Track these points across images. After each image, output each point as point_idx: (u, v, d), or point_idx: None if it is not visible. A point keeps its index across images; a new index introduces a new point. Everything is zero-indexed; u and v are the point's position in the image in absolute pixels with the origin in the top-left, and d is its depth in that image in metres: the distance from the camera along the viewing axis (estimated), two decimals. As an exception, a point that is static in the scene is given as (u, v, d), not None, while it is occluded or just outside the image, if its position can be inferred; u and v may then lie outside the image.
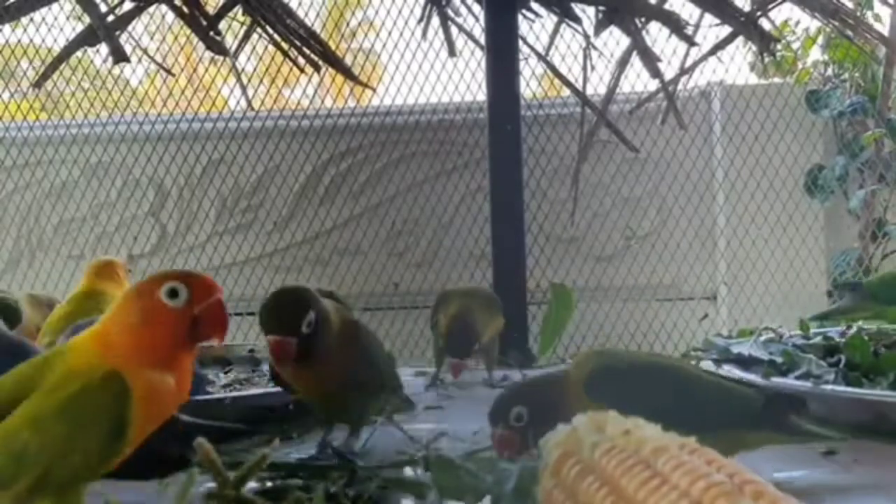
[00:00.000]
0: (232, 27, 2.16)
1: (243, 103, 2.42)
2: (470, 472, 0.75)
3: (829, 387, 1.03)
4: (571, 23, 2.04)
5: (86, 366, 0.67)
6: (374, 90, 2.30)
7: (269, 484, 0.83)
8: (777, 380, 1.07)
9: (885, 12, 2.35)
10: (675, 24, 1.94)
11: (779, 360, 1.12)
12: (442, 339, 1.32)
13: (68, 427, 0.64)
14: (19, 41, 2.33)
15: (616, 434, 0.55)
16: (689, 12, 2.03)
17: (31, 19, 2.26)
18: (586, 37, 2.09)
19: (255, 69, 2.44)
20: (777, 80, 2.49)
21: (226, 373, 1.40)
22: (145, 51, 2.19)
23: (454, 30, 2.17)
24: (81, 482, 0.67)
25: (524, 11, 2.06)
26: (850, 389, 1.02)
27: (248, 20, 2.02)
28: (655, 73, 2.02)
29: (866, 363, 1.09)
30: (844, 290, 1.32)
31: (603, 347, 0.88)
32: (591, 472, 0.54)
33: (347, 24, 2.49)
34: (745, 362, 1.14)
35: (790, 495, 0.48)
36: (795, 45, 2.47)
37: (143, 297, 0.70)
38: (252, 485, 0.78)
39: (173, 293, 0.70)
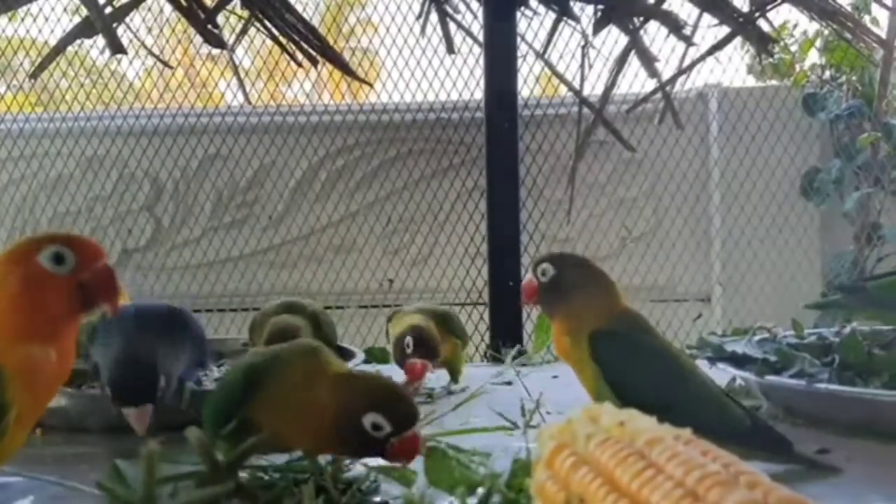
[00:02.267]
0: (230, 21, 2.16)
1: (240, 98, 2.42)
2: (462, 464, 0.75)
3: (824, 385, 1.03)
4: (570, 21, 2.03)
5: None
6: (371, 86, 2.29)
7: (258, 474, 0.83)
8: (771, 378, 1.07)
9: (882, 15, 2.36)
10: (673, 24, 1.94)
11: (772, 358, 1.12)
12: (399, 344, 1.26)
13: None
14: (15, 32, 2.33)
15: (611, 425, 0.55)
16: (687, 12, 2.03)
17: (28, 11, 2.25)
18: (584, 35, 2.09)
19: (252, 64, 2.44)
20: (774, 82, 2.49)
21: (219, 366, 1.39)
22: (143, 43, 2.18)
23: (452, 27, 2.16)
24: None
25: (523, 9, 2.06)
26: (844, 388, 1.02)
27: (247, 14, 2.02)
28: (653, 73, 2.02)
29: (860, 363, 1.09)
30: (845, 291, 1.30)
31: (631, 313, 0.89)
32: (585, 463, 0.53)
33: (346, 20, 2.48)
34: (738, 360, 1.14)
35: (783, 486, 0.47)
36: (793, 48, 2.47)
37: (20, 264, 0.64)
38: (241, 475, 0.78)
39: (58, 258, 0.64)
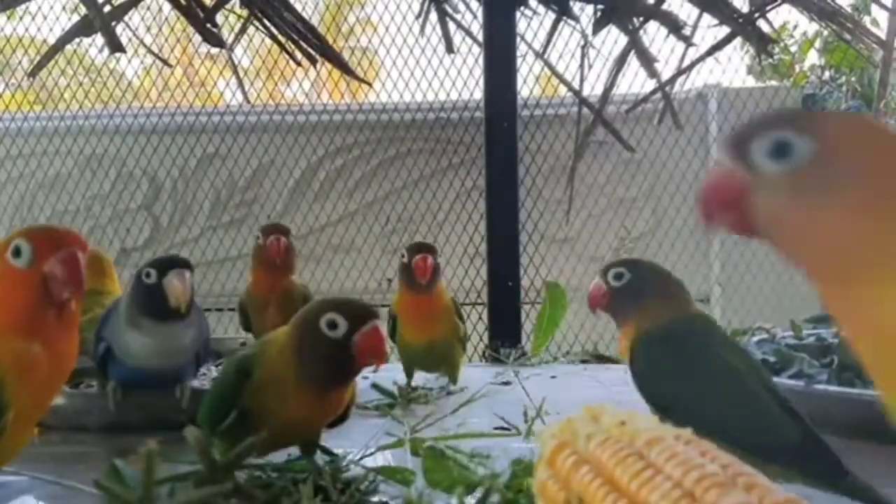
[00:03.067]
0: (229, 20, 2.15)
1: (239, 97, 2.42)
2: (460, 464, 0.75)
3: (822, 386, 1.03)
4: (570, 21, 2.03)
5: None
6: (370, 85, 2.29)
7: (257, 474, 0.83)
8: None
9: (882, 16, 2.36)
10: (672, 25, 1.94)
11: (772, 359, 1.12)
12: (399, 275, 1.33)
13: None
14: (14, 31, 2.32)
15: (611, 425, 0.55)
16: (687, 12, 2.03)
17: (27, 9, 2.25)
18: (584, 35, 2.09)
19: (251, 63, 2.43)
20: (774, 82, 2.49)
21: (217, 366, 1.39)
22: (142, 41, 2.18)
23: (452, 26, 2.16)
24: None
25: (522, 9, 2.06)
26: (842, 389, 1.02)
27: (246, 13, 2.02)
28: (653, 74, 2.02)
29: (859, 364, 1.09)
30: None
31: (691, 317, 0.87)
32: (585, 462, 0.54)
33: (345, 20, 2.48)
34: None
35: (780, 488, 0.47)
36: (793, 49, 2.47)
37: None
38: (240, 476, 0.78)
39: (16, 252, 0.64)
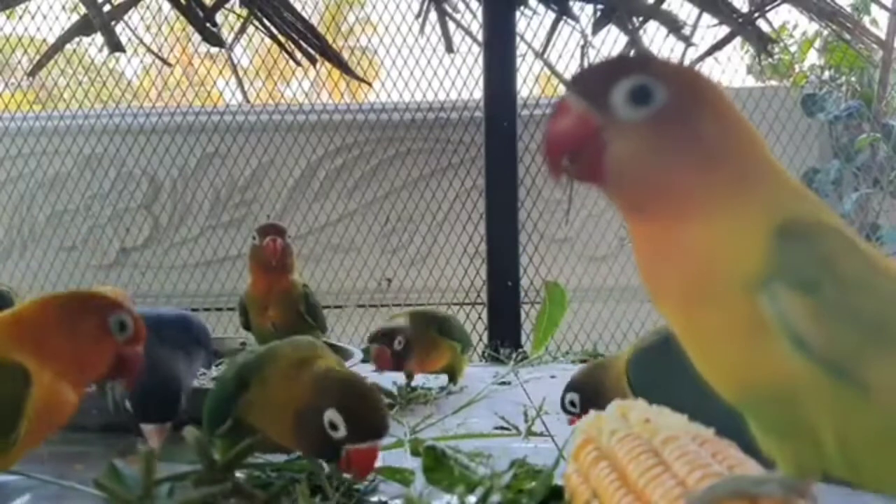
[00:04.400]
0: (228, 20, 2.15)
1: (239, 97, 2.42)
2: (461, 463, 0.74)
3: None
4: (569, 21, 2.03)
5: None
6: (370, 84, 2.29)
7: (256, 473, 0.83)
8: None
9: (882, 16, 2.36)
10: (672, 24, 1.94)
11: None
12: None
13: None
14: (14, 30, 2.32)
15: (637, 422, 0.56)
16: (687, 12, 2.03)
17: (27, 9, 2.25)
18: (584, 35, 2.09)
19: (251, 62, 2.43)
20: (773, 82, 2.49)
21: (217, 366, 1.39)
22: (141, 41, 2.18)
23: (452, 26, 2.16)
24: None
25: (522, 8, 2.06)
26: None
27: (245, 13, 2.01)
28: (652, 73, 2.02)
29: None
30: None
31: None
32: (605, 458, 0.55)
33: (345, 19, 2.48)
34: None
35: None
36: (793, 49, 2.47)
37: (91, 317, 0.69)
38: (238, 475, 0.77)
39: (122, 326, 0.70)
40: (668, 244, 0.47)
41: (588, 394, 0.86)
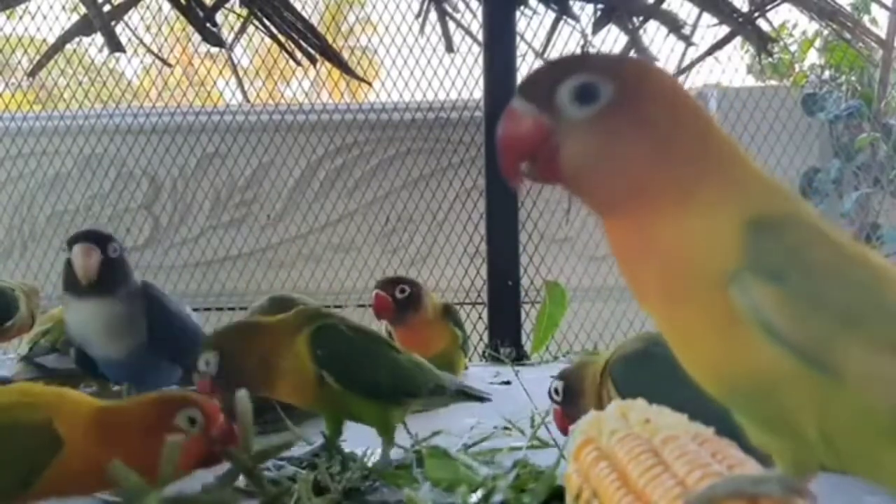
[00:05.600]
0: (228, 20, 2.15)
1: (239, 97, 2.42)
2: (464, 464, 0.74)
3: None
4: (569, 20, 2.03)
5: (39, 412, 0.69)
6: (370, 85, 2.29)
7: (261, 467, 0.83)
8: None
9: (882, 15, 2.36)
10: (673, 24, 1.94)
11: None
12: None
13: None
14: (14, 30, 2.32)
15: (637, 422, 0.56)
16: (687, 12, 2.03)
17: (27, 9, 2.25)
18: (584, 35, 2.09)
19: (251, 62, 2.43)
20: (774, 82, 2.49)
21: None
22: (141, 41, 2.18)
23: (452, 26, 2.16)
24: None
25: (522, 8, 2.06)
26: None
27: (246, 12, 2.01)
28: (652, 73, 2.02)
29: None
30: None
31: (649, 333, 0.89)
32: (605, 458, 0.55)
33: (345, 19, 2.48)
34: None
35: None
36: (793, 48, 2.47)
37: (161, 426, 0.72)
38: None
39: (191, 421, 0.72)
40: (641, 242, 0.47)
41: (571, 385, 0.88)
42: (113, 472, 0.68)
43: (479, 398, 1.00)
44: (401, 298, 1.23)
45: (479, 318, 2.18)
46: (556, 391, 0.90)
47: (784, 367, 0.43)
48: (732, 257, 0.44)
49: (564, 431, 0.88)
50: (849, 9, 2.21)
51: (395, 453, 0.88)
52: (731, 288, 0.43)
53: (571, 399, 0.87)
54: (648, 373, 0.78)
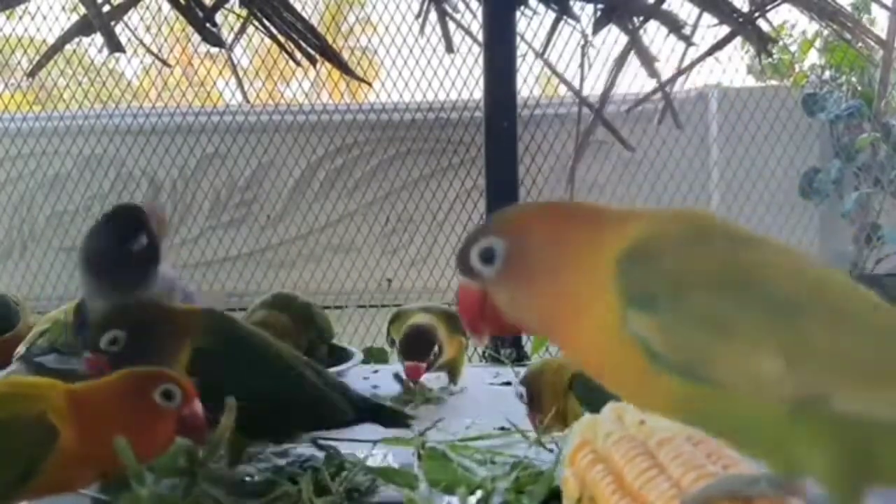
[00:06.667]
0: (228, 20, 2.15)
1: (239, 97, 2.42)
2: (462, 465, 0.74)
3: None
4: (570, 21, 2.03)
5: (34, 405, 0.68)
6: (370, 85, 2.29)
7: (256, 478, 0.83)
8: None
9: (882, 15, 2.36)
10: (673, 24, 1.93)
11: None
12: (399, 344, 1.26)
13: None
14: (13, 31, 2.32)
15: (632, 424, 0.56)
16: (687, 12, 2.03)
17: (26, 9, 2.25)
18: (584, 35, 2.09)
19: (250, 62, 2.43)
20: (774, 82, 2.49)
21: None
22: (141, 41, 2.18)
23: (452, 26, 2.16)
24: None
25: (522, 8, 2.06)
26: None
27: (245, 13, 2.01)
28: (653, 73, 2.02)
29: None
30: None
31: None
32: (601, 460, 0.55)
33: (345, 19, 2.48)
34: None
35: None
36: (793, 48, 2.47)
37: (137, 400, 0.71)
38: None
39: (168, 395, 0.72)
40: (575, 353, 0.52)
41: (532, 389, 0.92)
42: (117, 447, 0.67)
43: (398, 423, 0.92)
44: (432, 360, 1.23)
45: (480, 318, 2.17)
46: (522, 396, 0.92)
47: (677, 390, 0.45)
48: (616, 304, 0.47)
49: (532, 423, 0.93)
50: (849, 9, 2.21)
51: (400, 454, 0.87)
52: (623, 331, 0.46)
53: (535, 403, 0.91)
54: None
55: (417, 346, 1.23)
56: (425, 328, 1.25)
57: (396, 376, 1.28)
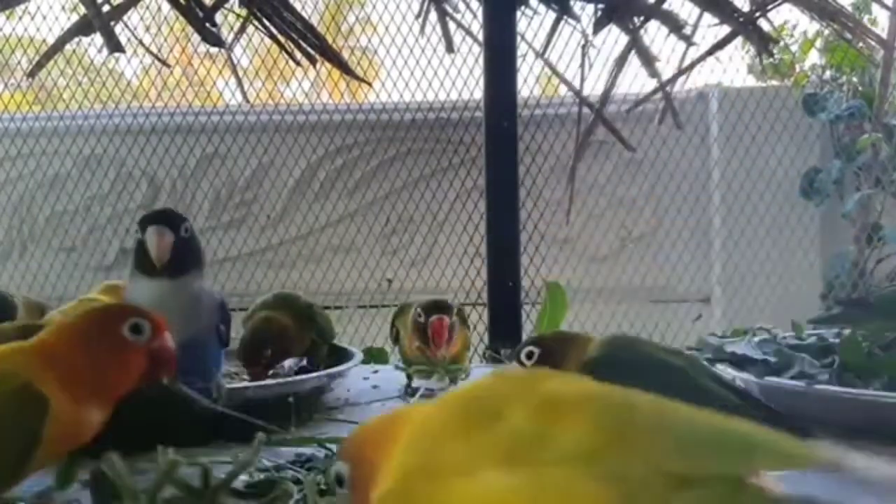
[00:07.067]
0: (228, 20, 2.15)
1: (238, 97, 2.41)
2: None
3: (823, 387, 1.02)
4: (570, 20, 2.03)
5: (15, 377, 0.66)
6: (370, 85, 2.29)
7: (259, 476, 0.82)
8: (770, 379, 1.06)
9: (882, 15, 2.35)
10: (673, 24, 1.93)
11: (772, 359, 1.11)
12: (421, 308, 1.28)
13: None
14: (13, 31, 2.32)
15: None
16: (687, 12, 2.02)
17: (26, 9, 2.25)
18: (584, 35, 2.08)
19: (250, 62, 2.43)
20: (775, 82, 2.48)
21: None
22: (141, 41, 2.17)
23: (452, 26, 2.16)
24: None
25: (523, 8, 2.05)
26: (843, 390, 1.02)
27: (245, 12, 2.01)
28: (653, 73, 2.02)
29: (860, 364, 1.08)
30: (846, 305, 1.27)
31: (622, 334, 0.90)
32: None
33: (345, 19, 2.48)
34: (738, 361, 1.13)
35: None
36: (793, 48, 2.47)
37: (105, 334, 0.70)
38: (243, 477, 0.77)
39: (136, 329, 0.70)
40: None
41: (548, 353, 0.87)
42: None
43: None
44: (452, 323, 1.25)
45: (480, 318, 2.17)
46: (530, 356, 0.87)
47: None
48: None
49: None
50: (850, 9, 2.20)
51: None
52: None
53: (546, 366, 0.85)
54: (614, 379, 0.78)
55: (437, 307, 1.25)
56: (445, 300, 1.27)
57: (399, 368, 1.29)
